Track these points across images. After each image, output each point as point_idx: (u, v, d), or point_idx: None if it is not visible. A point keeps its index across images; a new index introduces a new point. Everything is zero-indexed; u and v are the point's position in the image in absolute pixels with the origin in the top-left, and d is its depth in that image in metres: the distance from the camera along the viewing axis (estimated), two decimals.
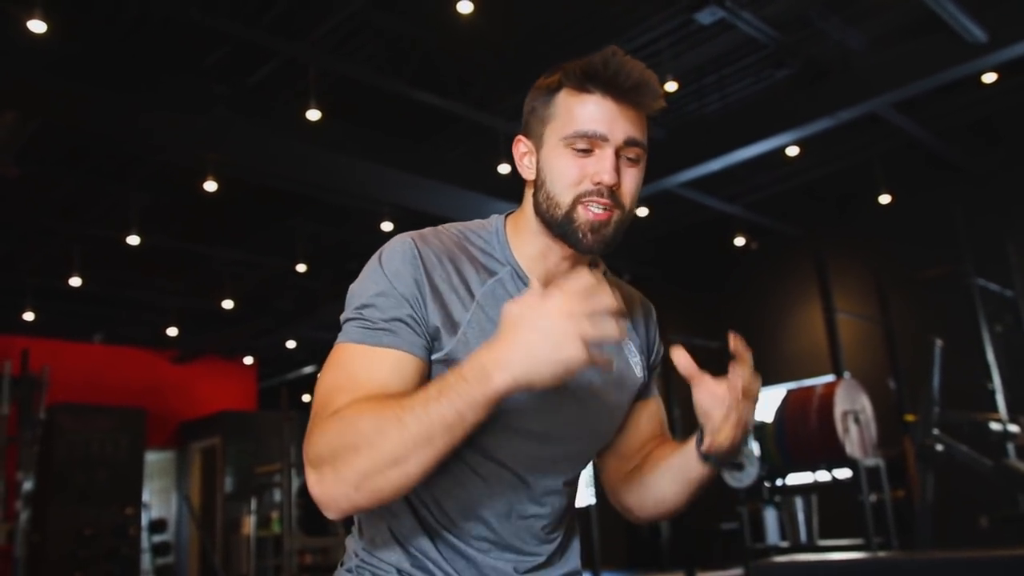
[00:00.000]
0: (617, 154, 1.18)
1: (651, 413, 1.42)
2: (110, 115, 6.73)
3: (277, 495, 8.84)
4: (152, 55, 6.60)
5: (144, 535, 11.17)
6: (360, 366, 1.13)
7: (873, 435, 6.82)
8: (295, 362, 14.50)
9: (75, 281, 9.62)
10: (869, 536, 6.28)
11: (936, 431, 5.71)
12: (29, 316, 10.65)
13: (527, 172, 1.26)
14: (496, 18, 6.44)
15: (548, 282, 1.25)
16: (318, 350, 13.76)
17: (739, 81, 7.69)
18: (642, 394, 1.40)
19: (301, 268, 10.01)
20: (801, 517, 7.42)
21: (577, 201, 1.18)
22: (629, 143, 1.19)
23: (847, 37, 6.94)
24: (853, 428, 6.56)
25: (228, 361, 13.83)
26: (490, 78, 7.34)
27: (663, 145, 8.25)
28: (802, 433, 7.00)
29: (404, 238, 1.22)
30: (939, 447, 5.62)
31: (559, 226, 1.20)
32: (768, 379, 10.65)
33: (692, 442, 1.26)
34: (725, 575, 7.34)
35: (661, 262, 11.31)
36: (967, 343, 7.32)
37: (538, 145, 1.23)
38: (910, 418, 6.24)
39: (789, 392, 7.62)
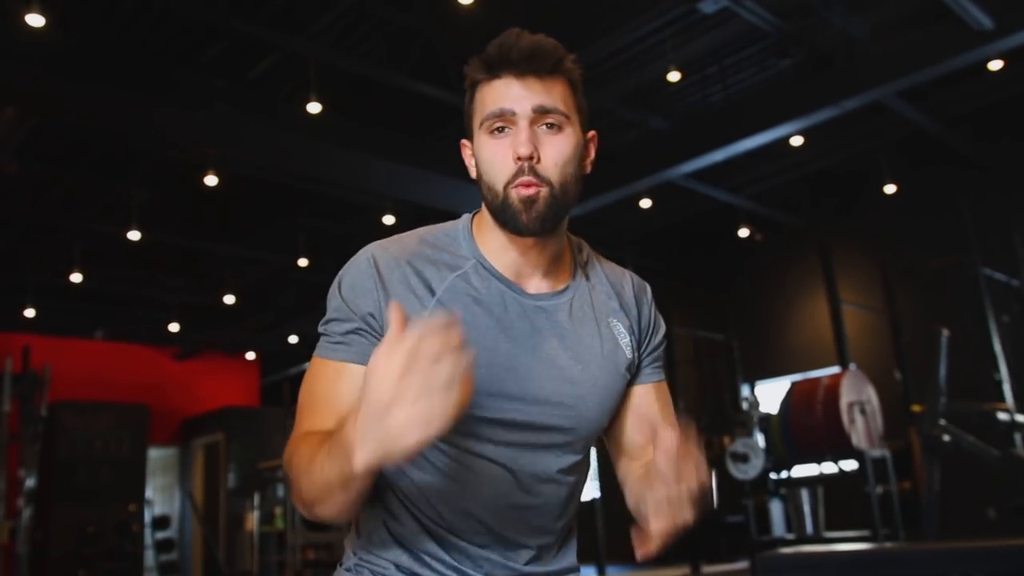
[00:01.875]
0: (532, 127, 1.18)
1: (651, 399, 1.37)
2: (109, 110, 6.69)
3: (280, 490, 8.82)
4: (151, 49, 6.56)
5: (147, 532, 11.15)
6: (321, 383, 1.20)
7: (879, 426, 6.79)
8: (298, 357, 14.47)
9: (76, 277, 9.58)
10: (875, 527, 6.25)
11: (943, 421, 5.67)
12: (30, 313, 10.63)
13: (472, 171, 1.27)
14: (497, 9, 6.38)
15: (518, 274, 1.27)
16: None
17: (742, 71, 7.63)
18: (637, 378, 1.36)
19: (303, 263, 9.97)
20: (807, 509, 7.39)
21: (508, 186, 1.19)
22: (540, 111, 1.18)
23: (851, 25, 6.88)
24: (859, 419, 6.53)
25: (230, 357, 13.81)
26: None
27: (666, 136, 8.20)
28: (808, 425, 6.97)
29: (364, 250, 1.25)
30: (946, 437, 5.59)
31: (499, 213, 1.22)
32: (773, 371, 10.73)
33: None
34: (731, 568, 7.30)
35: (664, 254, 11.26)
36: (973, 333, 7.28)
37: (472, 142, 1.26)
38: (917, 409, 6.20)
39: (794, 384, 7.58)
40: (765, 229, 10.34)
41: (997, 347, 7.16)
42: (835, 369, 7.95)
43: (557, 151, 1.19)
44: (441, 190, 8.37)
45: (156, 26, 6.36)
